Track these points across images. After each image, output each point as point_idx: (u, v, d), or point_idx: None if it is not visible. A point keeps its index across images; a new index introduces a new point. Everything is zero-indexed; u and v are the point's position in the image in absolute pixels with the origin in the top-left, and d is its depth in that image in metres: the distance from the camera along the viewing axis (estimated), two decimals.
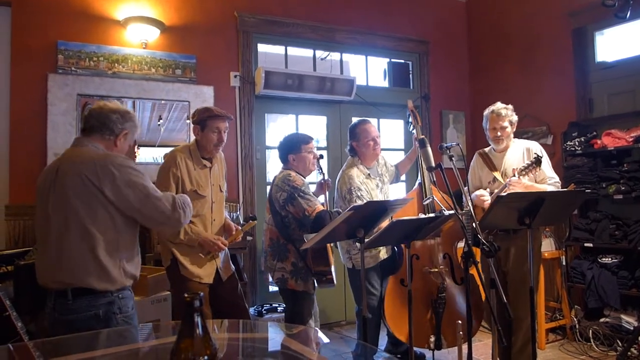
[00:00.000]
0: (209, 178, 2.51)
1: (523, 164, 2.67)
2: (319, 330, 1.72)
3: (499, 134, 2.86)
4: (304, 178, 2.78)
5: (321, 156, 2.95)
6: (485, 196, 2.80)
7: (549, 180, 2.77)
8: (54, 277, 1.68)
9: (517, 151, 2.87)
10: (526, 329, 2.69)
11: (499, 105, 2.90)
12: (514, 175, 2.65)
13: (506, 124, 2.86)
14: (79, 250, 1.67)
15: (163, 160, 2.51)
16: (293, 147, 2.80)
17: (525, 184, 2.67)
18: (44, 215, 1.75)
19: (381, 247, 2.98)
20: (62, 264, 1.67)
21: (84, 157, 1.74)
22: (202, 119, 2.46)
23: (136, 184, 1.73)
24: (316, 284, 2.80)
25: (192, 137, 3.70)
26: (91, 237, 1.67)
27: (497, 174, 2.87)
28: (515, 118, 2.91)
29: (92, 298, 1.68)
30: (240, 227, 2.62)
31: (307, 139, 2.84)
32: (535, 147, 2.86)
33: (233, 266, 2.68)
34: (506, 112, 2.86)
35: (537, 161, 2.58)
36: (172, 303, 2.75)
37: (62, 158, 1.81)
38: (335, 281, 2.80)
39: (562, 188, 3.53)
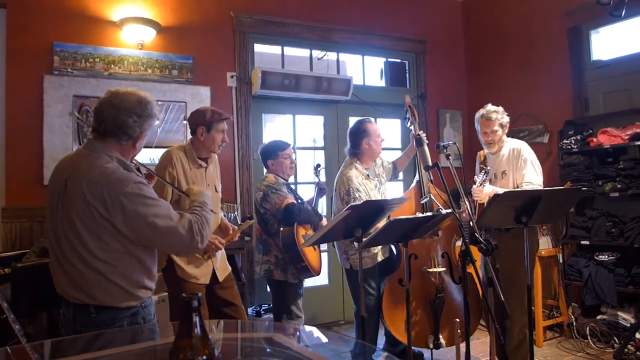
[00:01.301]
0: (204, 178, 2.51)
1: (480, 175, 2.74)
2: (318, 330, 1.72)
3: (489, 138, 2.88)
4: (286, 180, 3.04)
5: (319, 165, 3.34)
6: (476, 193, 2.81)
7: (525, 185, 2.74)
8: (73, 294, 1.59)
9: (506, 152, 2.88)
10: (521, 326, 2.71)
11: (488, 109, 2.89)
12: (475, 184, 2.74)
13: (496, 127, 2.85)
14: (94, 277, 1.56)
15: (159, 160, 2.51)
16: (271, 154, 3.05)
17: (487, 193, 2.69)
18: (53, 229, 1.62)
19: (379, 248, 2.99)
20: (80, 285, 1.57)
21: (93, 175, 1.54)
22: (209, 121, 2.45)
23: (147, 214, 1.55)
24: (299, 275, 2.96)
25: (189, 138, 3.72)
26: (105, 266, 1.56)
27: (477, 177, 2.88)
28: (506, 120, 2.90)
29: (116, 312, 1.60)
30: (237, 227, 2.63)
31: (283, 146, 3.07)
32: (523, 148, 2.85)
33: (230, 267, 2.68)
34: (496, 116, 2.85)
35: (485, 172, 2.70)
36: (169, 305, 2.73)
37: (72, 165, 1.63)
38: (312, 270, 2.89)
39: (558, 186, 3.56)
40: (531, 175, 2.77)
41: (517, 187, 2.76)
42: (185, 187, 2.37)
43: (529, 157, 2.81)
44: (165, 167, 2.38)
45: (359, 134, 3.03)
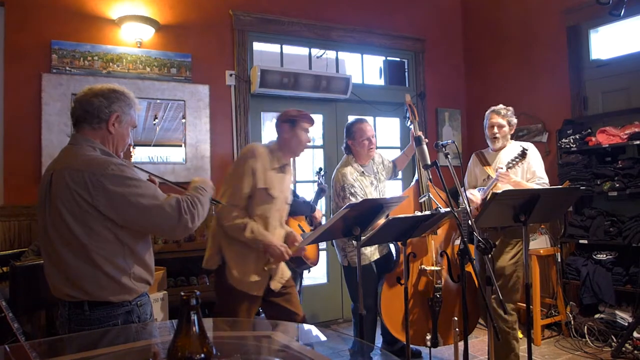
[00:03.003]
0: (282, 184, 2.43)
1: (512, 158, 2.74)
2: (316, 328, 1.72)
3: (495, 130, 2.90)
4: None
5: (321, 169, 3.49)
6: (474, 196, 2.84)
7: (537, 180, 2.80)
8: (66, 292, 1.56)
9: (512, 151, 2.90)
10: (511, 323, 2.76)
11: (500, 106, 2.97)
12: (502, 168, 2.72)
13: (504, 122, 2.90)
14: (85, 268, 1.54)
15: (240, 152, 2.41)
16: None
17: (513, 179, 2.72)
18: (43, 225, 1.61)
19: (376, 246, 3.00)
20: (72, 281, 1.55)
21: (74, 163, 1.55)
22: (293, 117, 2.41)
23: (131, 194, 1.53)
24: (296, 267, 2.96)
25: (189, 137, 3.72)
26: (94, 254, 1.53)
27: (489, 170, 2.89)
28: (514, 120, 2.96)
29: (110, 309, 1.57)
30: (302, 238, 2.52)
31: None
32: (530, 147, 2.88)
33: (289, 271, 2.54)
34: (506, 112, 2.92)
35: (523, 154, 2.68)
36: (215, 312, 2.45)
37: (57, 160, 1.64)
38: (308, 261, 2.93)
39: (557, 185, 3.57)
40: (541, 172, 2.83)
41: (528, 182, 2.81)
42: (259, 186, 2.30)
43: (536, 155, 2.88)
44: (247, 159, 2.32)
45: (347, 133, 3.10)
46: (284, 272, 2.49)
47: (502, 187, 2.71)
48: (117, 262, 1.57)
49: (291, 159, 2.57)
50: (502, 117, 2.90)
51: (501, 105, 2.97)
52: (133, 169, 1.63)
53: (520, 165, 2.81)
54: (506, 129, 2.91)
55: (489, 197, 2.76)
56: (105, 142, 1.67)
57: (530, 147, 2.89)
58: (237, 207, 2.30)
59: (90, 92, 1.65)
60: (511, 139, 3.00)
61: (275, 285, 2.41)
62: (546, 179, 2.84)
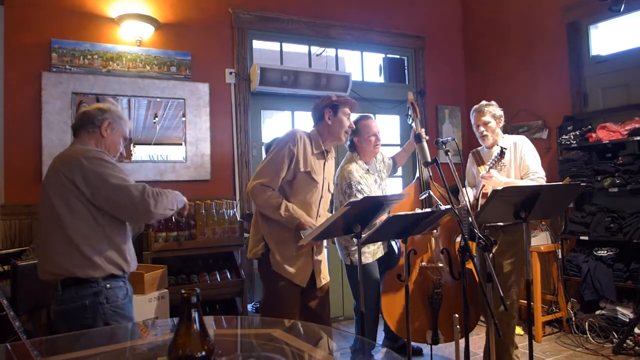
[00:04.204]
0: (322, 170, 2.43)
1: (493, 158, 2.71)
2: (317, 326, 1.73)
3: (482, 129, 2.89)
4: None
5: None
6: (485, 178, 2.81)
7: (531, 175, 2.76)
8: (45, 269, 1.75)
9: (505, 146, 2.88)
10: (506, 320, 2.76)
11: (482, 102, 2.94)
12: (485, 170, 2.71)
13: (488, 118, 2.87)
14: (62, 243, 1.72)
15: (282, 136, 2.40)
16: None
17: (498, 179, 2.70)
18: (39, 214, 1.85)
19: (379, 244, 2.99)
20: (51, 257, 1.74)
21: (65, 154, 1.83)
22: (336, 103, 2.42)
23: (103, 173, 1.75)
24: None
25: (189, 135, 3.72)
26: (72, 230, 1.72)
27: (482, 168, 2.88)
28: (499, 112, 2.91)
29: (78, 288, 1.71)
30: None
31: None
32: (522, 141, 2.87)
33: (329, 277, 2.53)
34: (488, 109, 2.88)
35: (502, 153, 2.65)
36: (262, 300, 2.44)
37: (54, 159, 1.89)
38: None
39: (558, 182, 3.57)
40: (535, 166, 2.79)
41: (522, 179, 2.78)
42: (302, 169, 2.30)
43: (529, 149, 2.83)
44: (287, 142, 2.31)
45: (352, 130, 3.06)
46: (325, 274, 2.48)
47: (490, 187, 2.70)
48: (91, 242, 1.74)
49: (332, 147, 2.55)
50: (484, 113, 2.87)
51: (483, 102, 2.94)
52: (111, 157, 1.88)
53: (511, 161, 2.79)
54: (492, 124, 2.87)
55: (480, 197, 2.77)
56: (99, 145, 1.91)
57: (519, 141, 2.86)
58: (271, 188, 2.29)
59: (89, 109, 1.96)
60: (505, 132, 2.98)
61: (320, 281, 2.41)
62: (542, 172, 2.78)
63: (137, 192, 1.76)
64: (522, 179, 2.79)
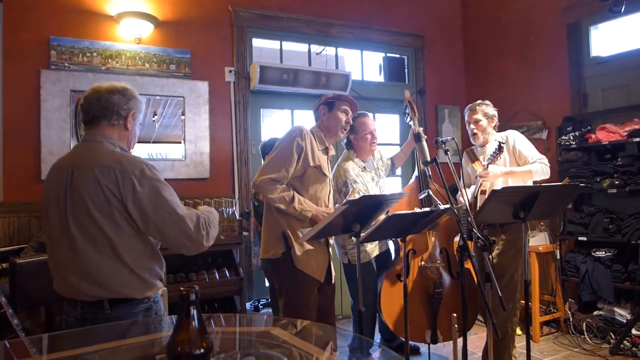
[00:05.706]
0: (327, 164, 2.46)
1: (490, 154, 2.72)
2: (315, 324, 1.73)
3: (472, 126, 2.90)
4: None
5: None
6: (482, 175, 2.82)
7: (530, 159, 2.76)
8: (85, 289, 1.53)
9: (493, 145, 2.89)
10: (503, 320, 2.75)
11: (477, 101, 2.95)
12: (481, 168, 2.72)
13: (480, 116, 2.88)
14: (109, 264, 1.53)
15: (286, 132, 2.39)
16: (268, 150, 3.04)
17: (495, 173, 2.71)
18: (60, 225, 1.56)
19: (376, 243, 3.00)
20: (93, 278, 1.52)
21: (101, 160, 1.54)
22: (331, 100, 2.44)
23: (159, 198, 1.53)
24: None
25: (188, 134, 3.72)
26: (120, 250, 1.53)
27: (476, 165, 2.88)
28: (491, 111, 2.92)
29: (131, 306, 1.56)
30: None
31: None
32: (512, 134, 2.87)
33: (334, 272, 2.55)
34: (480, 107, 2.90)
35: (500, 148, 2.65)
36: (284, 297, 2.37)
37: (76, 158, 1.61)
38: None
39: (556, 182, 3.57)
40: (532, 151, 2.79)
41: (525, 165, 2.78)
42: (312, 164, 2.31)
43: (520, 139, 2.84)
44: (294, 137, 2.31)
45: (349, 129, 3.06)
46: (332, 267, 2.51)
47: (489, 185, 2.71)
48: (140, 259, 1.57)
49: (331, 144, 2.56)
50: (476, 112, 2.88)
51: (478, 101, 2.95)
52: (158, 171, 1.61)
53: (506, 156, 2.79)
54: (483, 122, 2.88)
55: (478, 195, 2.77)
56: (121, 139, 1.67)
57: (510, 134, 2.87)
58: (280, 182, 2.29)
59: (103, 89, 1.64)
60: (499, 131, 2.98)
61: (332, 277, 2.44)
62: (539, 155, 2.77)
63: (192, 223, 1.56)
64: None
